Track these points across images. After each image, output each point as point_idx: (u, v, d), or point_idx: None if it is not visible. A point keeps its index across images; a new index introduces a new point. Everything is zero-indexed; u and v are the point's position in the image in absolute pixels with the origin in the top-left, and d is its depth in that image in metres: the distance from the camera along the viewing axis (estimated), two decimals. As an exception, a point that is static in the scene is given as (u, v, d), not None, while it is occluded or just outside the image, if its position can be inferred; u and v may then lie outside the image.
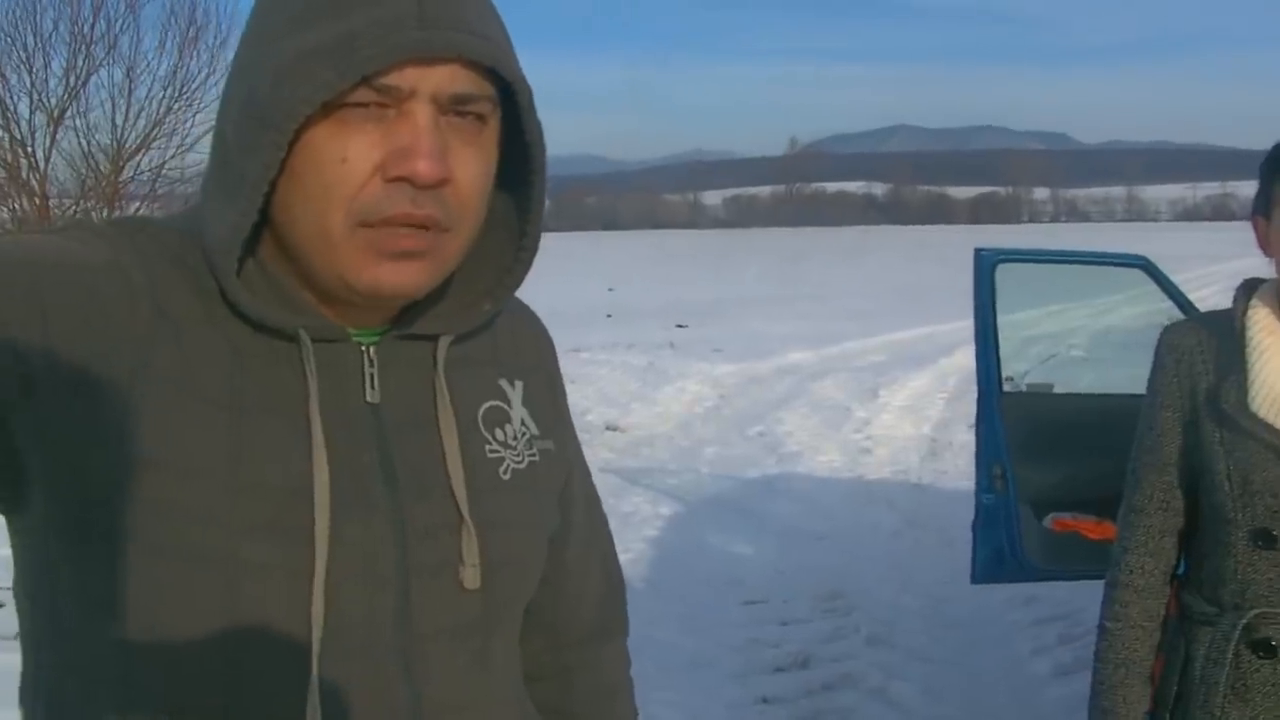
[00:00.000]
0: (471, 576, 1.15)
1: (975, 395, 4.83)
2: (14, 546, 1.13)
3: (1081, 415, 4.93)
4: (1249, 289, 2.20)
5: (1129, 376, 5.93)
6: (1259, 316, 2.14)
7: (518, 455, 1.24)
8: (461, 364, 1.21)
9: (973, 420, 4.88)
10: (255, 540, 1.05)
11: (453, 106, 1.07)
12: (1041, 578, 4.84)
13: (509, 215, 1.21)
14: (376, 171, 1.05)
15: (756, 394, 13.47)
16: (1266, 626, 2.09)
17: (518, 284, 1.23)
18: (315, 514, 1.07)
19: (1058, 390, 5.35)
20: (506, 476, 1.22)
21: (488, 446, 1.21)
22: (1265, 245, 2.14)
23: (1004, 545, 4.61)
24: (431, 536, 1.14)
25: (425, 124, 1.05)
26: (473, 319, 1.21)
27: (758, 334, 18.87)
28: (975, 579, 4.80)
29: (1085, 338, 13.19)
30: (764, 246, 69.37)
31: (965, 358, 15.02)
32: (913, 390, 13.48)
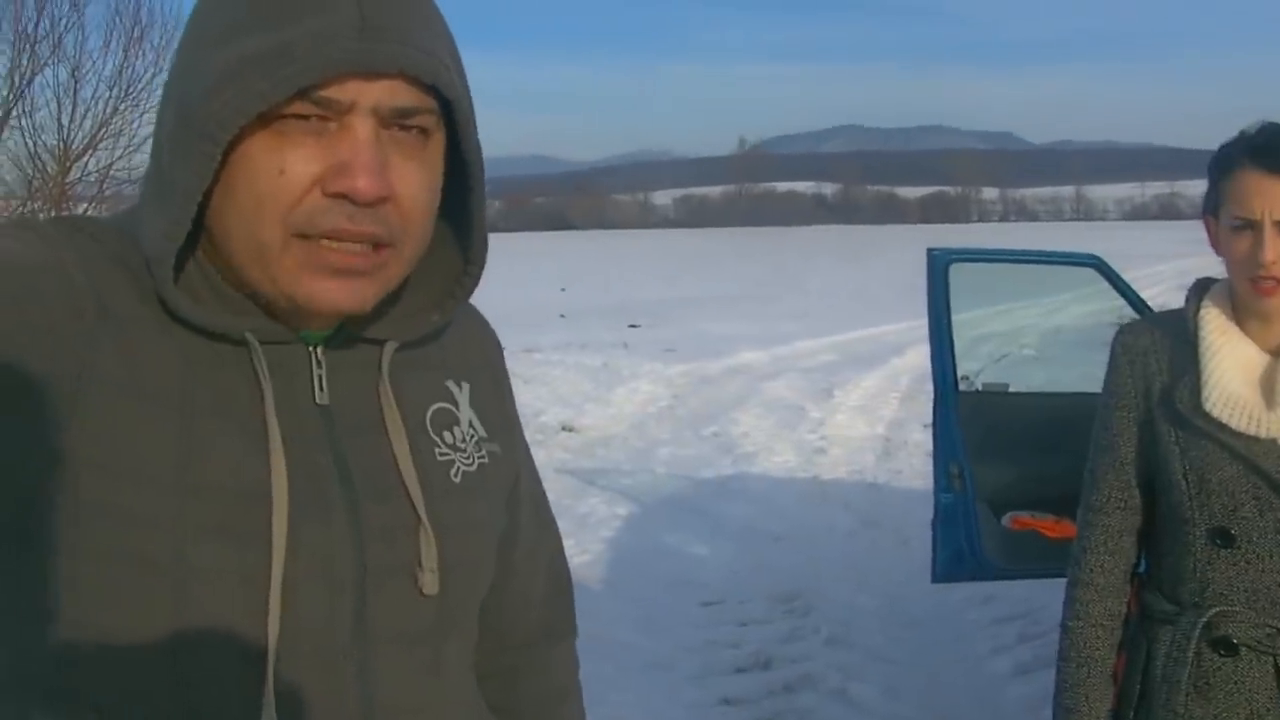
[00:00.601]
0: (430, 582, 1.15)
1: (929, 394, 4.85)
2: None
3: (1037, 414, 4.97)
4: (1201, 289, 2.23)
5: (1082, 375, 6.00)
6: (1211, 316, 2.16)
7: (467, 458, 1.23)
8: (408, 366, 1.20)
9: (927, 420, 4.91)
10: (205, 544, 1.03)
11: (395, 120, 1.05)
12: (1001, 576, 4.87)
13: (459, 226, 1.20)
14: (315, 184, 1.03)
15: (710, 394, 13.48)
16: (1226, 624, 2.12)
17: (467, 296, 1.23)
18: (274, 516, 1.05)
19: (1013, 389, 5.38)
20: (457, 479, 1.21)
21: (437, 450, 1.21)
22: (1216, 245, 2.17)
23: (963, 544, 4.63)
24: (389, 538, 1.13)
25: (365, 138, 1.03)
26: (420, 328, 1.21)
27: (710, 334, 18.90)
28: (935, 578, 4.82)
29: (1038, 336, 13.32)
30: (714, 247, 69.56)
31: (917, 357, 15.17)
32: (866, 390, 13.54)
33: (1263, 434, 2.09)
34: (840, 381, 14.05)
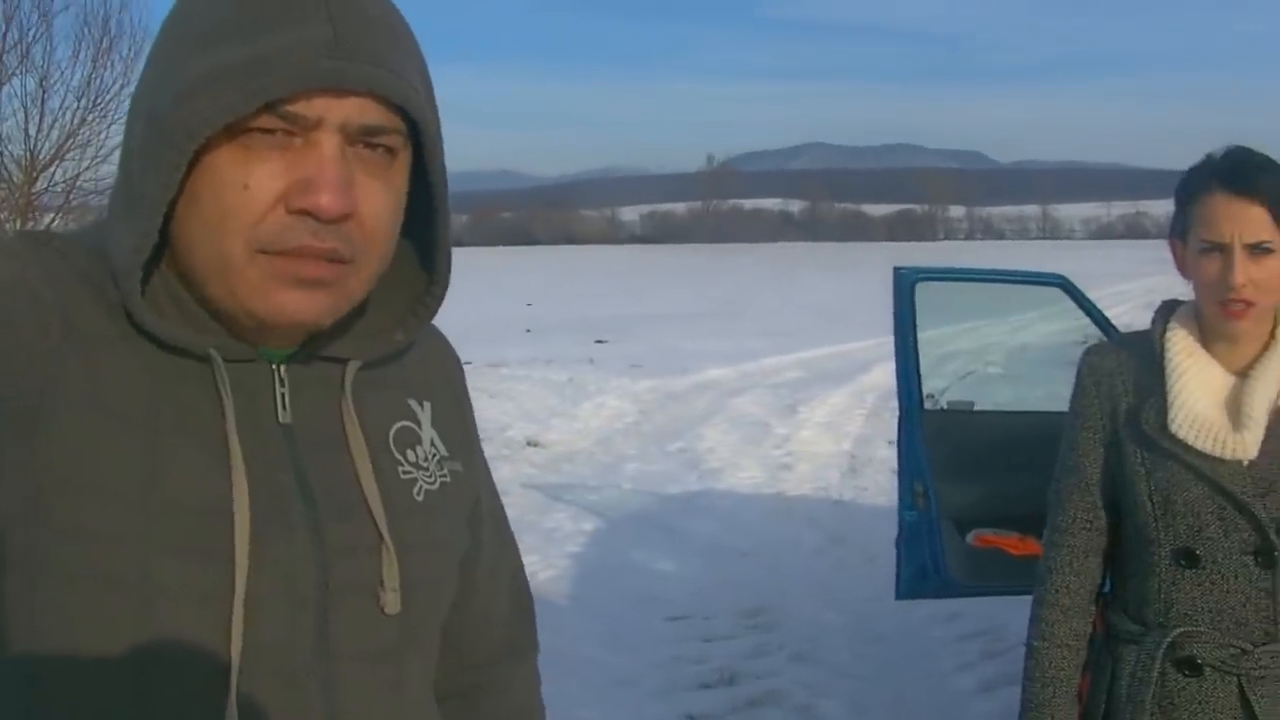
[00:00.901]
0: (392, 601, 1.14)
1: (893, 412, 4.87)
2: None
3: (1002, 432, 4.99)
4: (1167, 311, 2.24)
5: (1047, 393, 6.03)
6: (1178, 338, 2.18)
7: (429, 476, 1.23)
8: (371, 385, 1.20)
9: (892, 437, 4.93)
10: (170, 562, 1.03)
11: (361, 138, 1.05)
12: (965, 593, 4.89)
13: (422, 247, 1.19)
14: (279, 201, 1.03)
15: (676, 410, 13.49)
16: (1191, 645, 2.13)
17: (430, 316, 1.22)
18: (235, 534, 1.05)
19: (978, 408, 5.40)
20: (420, 498, 1.21)
21: (400, 468, 1.20)
22: (1183, 268, 2.18)
23: (927, 562, 4.65)
24: (351, 556, 1.13)
25: (331, 155, 1.03)
26: (383, 347, 1.20)
27: (676, 350, 18.92)
28: (899, 595, 4.84)
29: (1003, 355, 13.38)
30: (681, 263, 69.65)
31: (883, 375, 15.22)
32: (832, 407, 13.58)
33: (1228, 455, 2.10)
34: (806, 398, 14.09)
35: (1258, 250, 2.05)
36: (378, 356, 1.20)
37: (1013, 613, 5.77)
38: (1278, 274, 2.06)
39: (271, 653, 1.07)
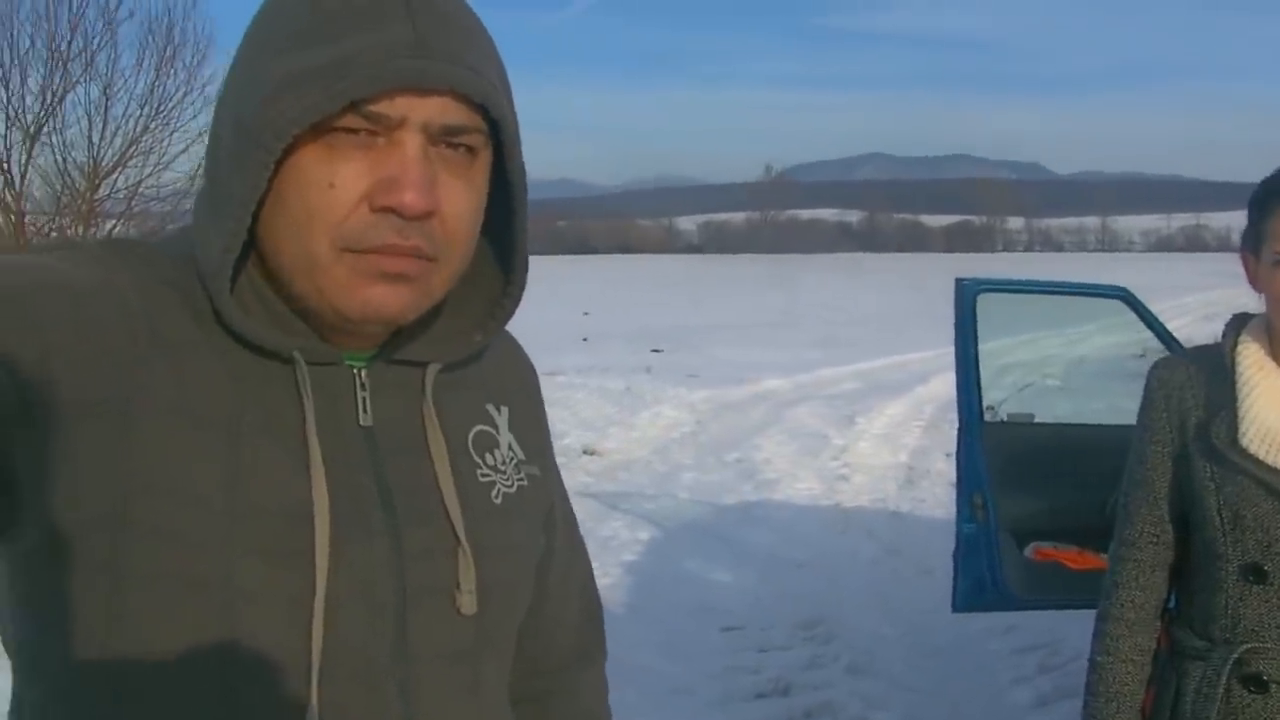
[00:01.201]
0: (468, 602, 1.15)
1: (953, 424, 4.84)
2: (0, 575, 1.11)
3: (1061, 445, 4.96)
4: (1238, 324, 2.22)
5: (1107, 406, 5.97)
6: (1249, 352, 2.16)
7: (507, 480, 1.24)
8: (449, 388, 1.21)
9: (949, 449, 4.91)
10: (253, 565, 1.04)
11: (443, 137, 1.06)
12: (1023, 607, 4.86)
13: (498, 247, 1.21)
14: (363, 199, 1.04)
15: (732, 420, 13.47)
16: (1257, 661, 2.11)
17: (508, 318, 1.23)
18: (316, 537, 1.06)
19: (1037, 420, 5.38)
20: (498, 501, 1.22)
21: (479, 471, 1.21)
22: (1254, 281, 2.16)
23: (985, 574, 4.63)
24: (428, 560, 1.14)
25: (414, 154, 1.04)
26: (462, 349, 1.21)
27: (732, 360, 18.89)
28: (956, 608, 4.82)
29: (1062, 367, 13.27)
30: (738, 273, 69.52)
31: (940, 386, 15.14)
32: (889, 418, 13.51)
33: None
34: (863, 409, 14.02)
35: None
36: (458, 358, 1.21)
37: (1070, 626, 5.73)
38: None
39: (351, 655, 1.08)
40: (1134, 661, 2.26)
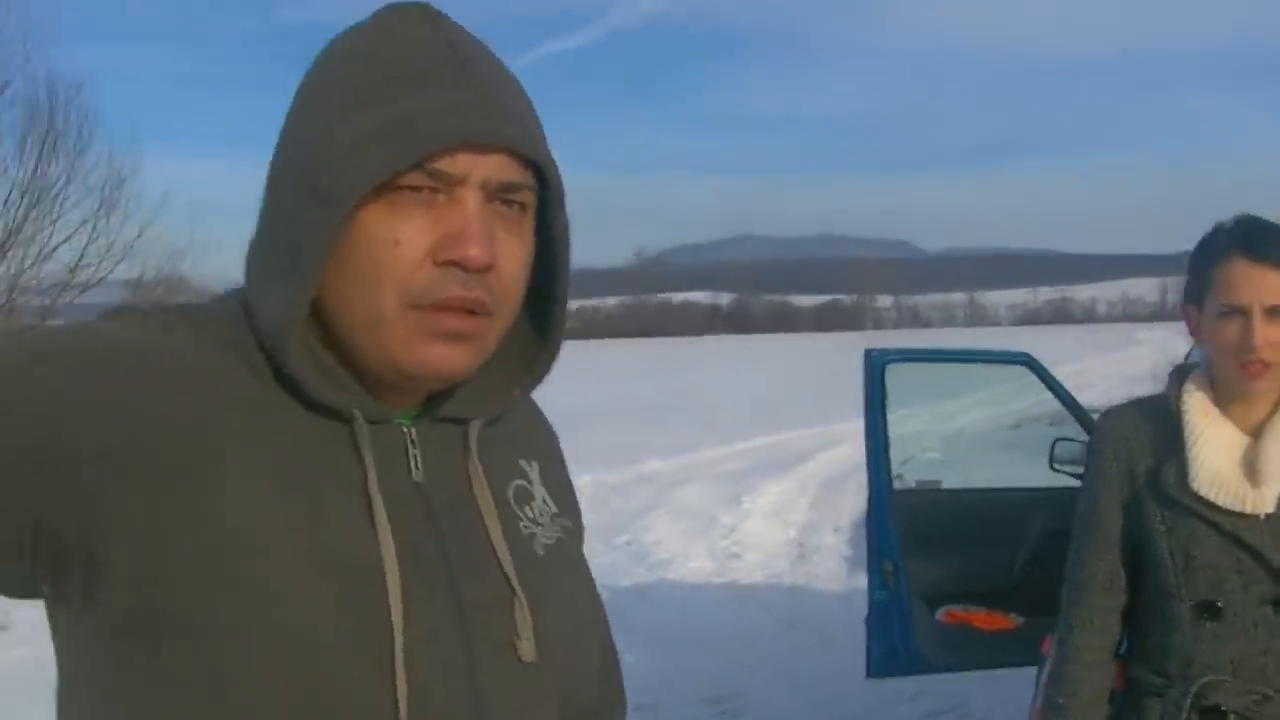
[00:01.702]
0: (528, 649, 1.16)
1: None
2: (64, 650, 1.10)
3: (967, 509, 5.08)
4: (1180, 375, 2.33)
5: (1010, 470, 6.15)
6: (1194, 401, 2.27)
7: (546, 532, 1.26)
8: (488, 445, 1.22)
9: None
10: (333, 617, 1.05)
11: (499, 194, 1.09)
12: (936, 669, 4.94)
13: (533, 303, 1.23)
14: (427, 255, 1.07)
15: (619, 503, 13.46)
16: (1215, 694, 2.20)
17: (546, 372, 1.25)
18: (389, 592, 1.07)
19: (945, 486, 5.50)
20: (541, 552, 1.24)
21: (521, 524, 1.23)
22: (1197, 332, 2.27)
23: (898, 640, 4.70)
24: (488, 613, 1.15)
25: (476, 210, 1.07)
26: (502, 404, 1.23)
27: (614, 443, 18.87)
28: (871, 673, 4.87)
29: (969, 433, 13.53)
30: (613, 356, 69.80)
31: (823, 463, 15.34)
32: (775, 496, 13.59)
33: (1247, 510, 2.19)
34: (748, 488, 14.11)
35: (1275, 313, 2.15)
36: (498, 413, 1.22)
37: (975, 689, 5.84)
38: None
39: (433, 712, 1.09)
40: (1095, 703, 2.33)
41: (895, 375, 4.93)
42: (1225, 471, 2.21)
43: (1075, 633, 2.36)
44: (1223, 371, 2.24)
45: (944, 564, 4.91)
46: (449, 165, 1.06)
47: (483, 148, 1.07)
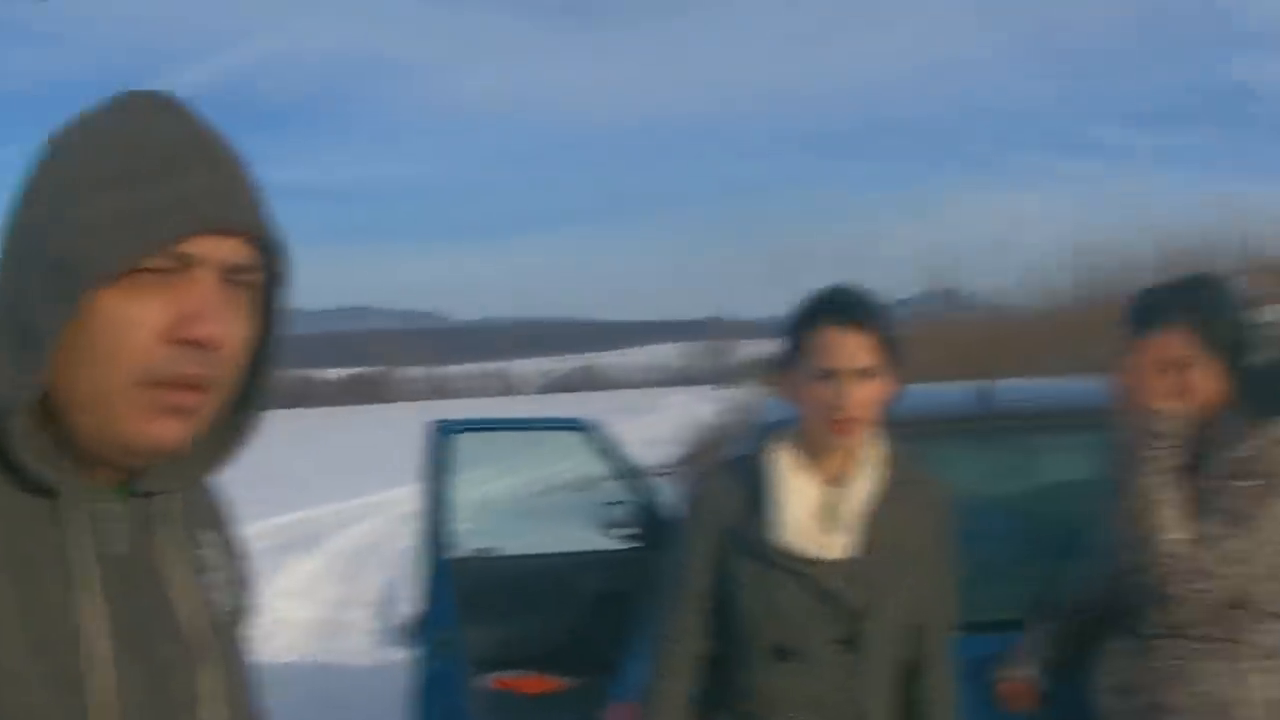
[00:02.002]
0: (220, 711, 1.21)
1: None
2: None
3: (523, 575, 5.22)
4: (766, 434, 2.51)
5: (566, 535, 6.34)
6: (779, 457, 2.45)
7: (224, 599, 1.31)
8: (177, 516, 1.26)
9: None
10: (46, 693, 1.07)
11: (231, 275, 1.14)
12: (488, 735, 5.01)
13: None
14: (164, 334, 1.10)
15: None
16: None
17: (244, 445, 1.29)
18: (96, 665, 1.10)
19: (501, 553, 5.61)
20: (225, 618, 1.29)
21: (208, 591, 1.27)
22: (792, 394, 2.44)
23: (450, 709, 4.74)
24: (186, 675, 1.19)
25: (213, 289, 1.12)
26: (201, 475, 1.27)
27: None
28: (423, 744, 4.87)
29: (525, 500, 13.70)
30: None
31: (349, 539, 15.17)
32: (302, 574, 13.28)
33: (824, 555, 2.38)
34: (272, 568, 13.69)
35: (863, 375, 2.35)
36: (192, 484, 1.27)
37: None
38: (878, 395, 2.38)
39: None
40: None
41: (459, 444, 5.03)
42: (804, 520, 2.38)
43: (661, 680, 2.50)
44: (814, 428, 2.41)
45: (499, 630, 5.02)
46: (192, 248, 1.10)
47: (225, 232, 1.12)
